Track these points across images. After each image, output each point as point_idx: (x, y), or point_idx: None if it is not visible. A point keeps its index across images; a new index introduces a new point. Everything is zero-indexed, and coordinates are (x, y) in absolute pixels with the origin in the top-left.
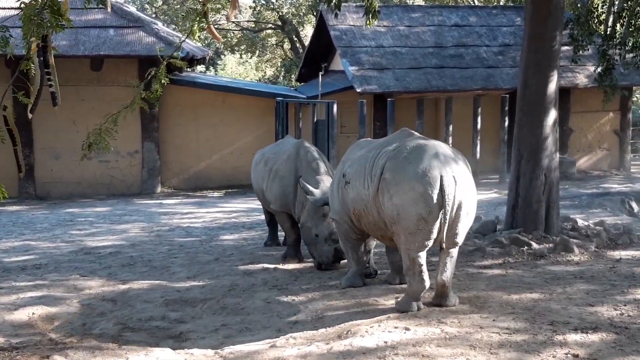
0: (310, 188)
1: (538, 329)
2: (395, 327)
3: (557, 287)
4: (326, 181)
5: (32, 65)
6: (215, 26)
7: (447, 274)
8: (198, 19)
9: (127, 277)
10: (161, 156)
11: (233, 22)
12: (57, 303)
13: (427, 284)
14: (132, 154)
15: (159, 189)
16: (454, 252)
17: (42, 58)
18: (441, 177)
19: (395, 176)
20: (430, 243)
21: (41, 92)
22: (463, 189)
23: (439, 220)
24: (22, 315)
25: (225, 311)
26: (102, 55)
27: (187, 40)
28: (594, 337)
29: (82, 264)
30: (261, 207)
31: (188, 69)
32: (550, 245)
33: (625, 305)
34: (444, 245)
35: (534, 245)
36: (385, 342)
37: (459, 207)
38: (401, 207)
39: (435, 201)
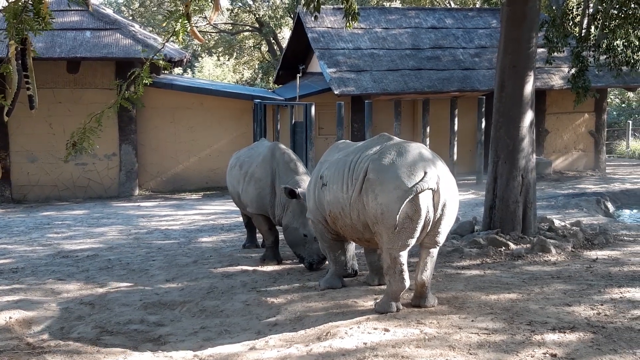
0: (297, 190)
1: (516, 329)
2: (375, 329)
3: (535, 287)
4: (306, 180)
5: (11, 68)
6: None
7: (427, 273)
8: (181, 20)
9: (105, 281)
10: (139, 159)
11: (210, 24)
12: (35, 307)
13: (407, 283)
14: (109, 156)
15: (136, 192)
16: (435, 252)
17: (20, 61)
18: (426, 174)
19: (379, 176)
20: (412, 242)
21: (18, 94)
22: (447, 189)
23: (423, 218)
24: None
25: (204, 314)
26: (79, 58)
27: (164, 42)
28: (571, 337)
29: (59, 268)
30: (239, 209)
31: (165, 71)
32: (528, 245)
33: (602, 305)
34: (428, 245)
35: (512, 245)
36: (365, 344)
37: (444, 206)
38: (386, 206)
39: (420, 199)
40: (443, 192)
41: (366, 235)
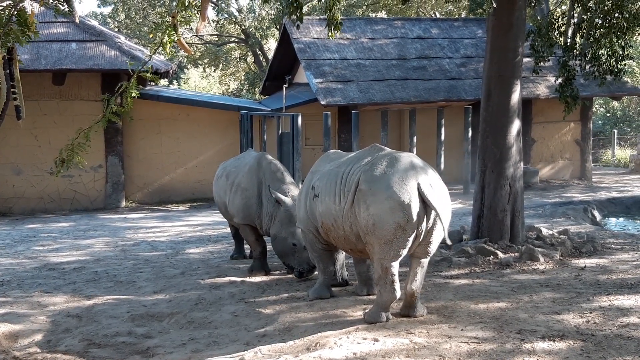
0: (282, 197)
1: (506, 337)
2: (364, 339)
3: (524, 296)
4: (293, 190)
5: None
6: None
7: (417, 283)
8: (168, 31)
9: (92, 293)
10: (125, 170)
11: (196, 35)
12: (21, 320)
13: (398, 294)
14: (95, 168)
15: (123, 204)
16: (425, 262)
17: (7, 71)
18: (418, 184)
19: (371, 187)
20: (404, 252)
21: (7, 105)
22: (440, 198)
23: (415, 229)
24: None
25: (193, 325)
26: (65, 70)
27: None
28: (561, 345)
29: (46, 280)
30: (226, 220)
31: (151, 83)
32: (516, 254)
33: (591, 313)
34: (416, 255)
35: (500, 254)
36: (355, 354)
37: (436, 217)
38: (377, 216)
39: (413, 210)
40: (435, 201)
41: (359, 246)
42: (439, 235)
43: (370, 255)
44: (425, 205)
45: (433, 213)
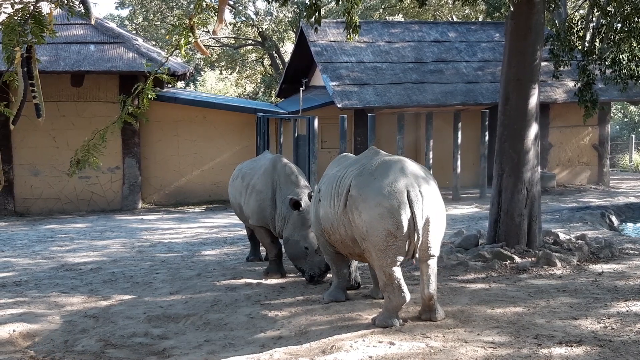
0: (298, 199)
1: (523, 342)
2: (380, 342)
3: (541, 301)
4: (307, 193)
5: (16, 75)
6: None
7: (433, 286)
8: (185, 32)
9: (108, 293)
10: (142, 172)
11: (213, 38)
12: (38, 320)
13: (408, 296)
14: (112, 169)
15: (140, 205)
16: (433, 262)
17: (25, 69)
18: (407, 191)
19: (361, 193)
20: (402, 258)
21: (24, 102)
22: (430, 202)
23: (408, 235)
24: (2, 332)
25: (209, 327)
26: (83, 71)
27: (166, 55)
28: (578, 351)
29: (63, 281)
30: (242, 222)
31: (169, 85)
32: (533, 259)
33: (608, 319)
34: (423, 258)
35: (517, 259)
36: (370, 357)
37: (427, 221)
38: (369, 223)
39: (402, 216)
40: (427, 206)
41: (356, 250)
42: (437, 237)
43: (370, 262)
44: (415, 210)
45: (424, 217)
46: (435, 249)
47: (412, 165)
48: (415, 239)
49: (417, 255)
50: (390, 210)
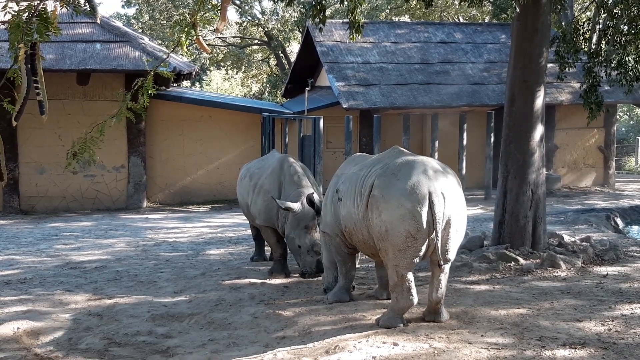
0: (290, 204)
1: (526, 344)
2: (384, 342)
3: (545, 303)
4: (308, 193)
5: (20, 72)
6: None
7: (442, 290)
8: (186, 29)
9: (113, 292)
10: (147, 171)
11: (219, 37)
12: (43, 318)
13: (416, 300)
14: (118, 168)
15: (144, 204)
16: (447, 267)
17: (29, 66)
18: (429, 193)
19: (383, 193)
20: (418, 260)
21: (27, 99)
22: (452, 205)
23: (427, 237)
24: (6, 330)
25: (212, 326)
26: (89, 70)
27: (174, 55)
28: (582, 353)
29: (67, 279)
30: (247, 222)
31: (174, 84)
32: (537, 260)
33: (612, 321)
34: (438, 262)
35: (521, 260)
36: (374, 358)
37: (448, 224)
38: (389, 223)
39: (423, 218)
40: (448, 208)
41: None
42: (456, 241)
43: (384, 261)
44: (436, 212)
45: (445, 219)
46: (452, 254)
47: (435, 166)
48: (436, 242)
49: (435, 259)
50: (411, 212)
